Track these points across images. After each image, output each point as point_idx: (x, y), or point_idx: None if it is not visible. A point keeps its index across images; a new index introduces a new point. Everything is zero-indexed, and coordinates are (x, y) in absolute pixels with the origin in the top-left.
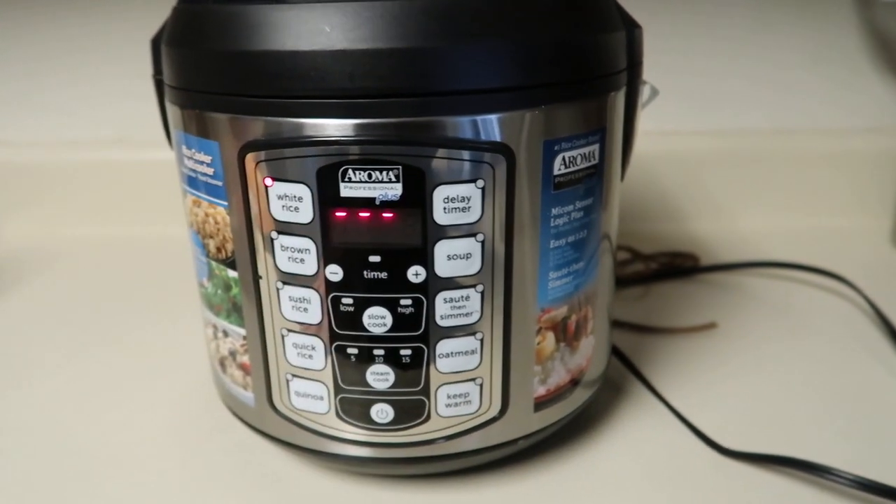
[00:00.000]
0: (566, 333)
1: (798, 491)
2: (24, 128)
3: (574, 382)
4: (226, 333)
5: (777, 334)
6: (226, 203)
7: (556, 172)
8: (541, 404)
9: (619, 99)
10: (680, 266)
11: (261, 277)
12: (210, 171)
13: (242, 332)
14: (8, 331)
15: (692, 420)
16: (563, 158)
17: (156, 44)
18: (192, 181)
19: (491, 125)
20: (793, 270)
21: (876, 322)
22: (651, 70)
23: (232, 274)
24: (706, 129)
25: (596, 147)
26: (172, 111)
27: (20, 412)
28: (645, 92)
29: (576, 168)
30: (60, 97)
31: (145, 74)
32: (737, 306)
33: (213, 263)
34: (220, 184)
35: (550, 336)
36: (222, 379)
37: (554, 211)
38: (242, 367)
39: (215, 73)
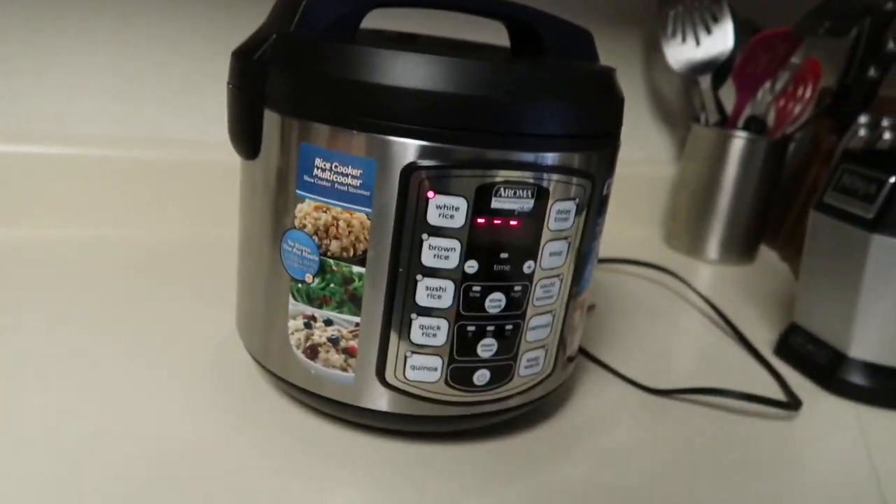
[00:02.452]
0: (582, 312)
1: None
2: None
3: (575, 352)
4: (329, 322)
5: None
6: (369, 210)
7: (603, 194)
8: (564, 366)
9: None
10: None
11: (400, 271)
12: (356, 182)
13: (356, 319)
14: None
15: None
16: (606, 184)
17: (246, 57)
18: (320, 189)
19: (585, 161)
20: None
21: None
22: None
23: (357, 270)
24: None
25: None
26: (298, 125)
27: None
28: None
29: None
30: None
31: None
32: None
33: (331, 261)
34: (367, 194)
35: (579, 313)
36: (306, 365)
37: (598, 220)
38: (347, 350)
39: (384, 103)
